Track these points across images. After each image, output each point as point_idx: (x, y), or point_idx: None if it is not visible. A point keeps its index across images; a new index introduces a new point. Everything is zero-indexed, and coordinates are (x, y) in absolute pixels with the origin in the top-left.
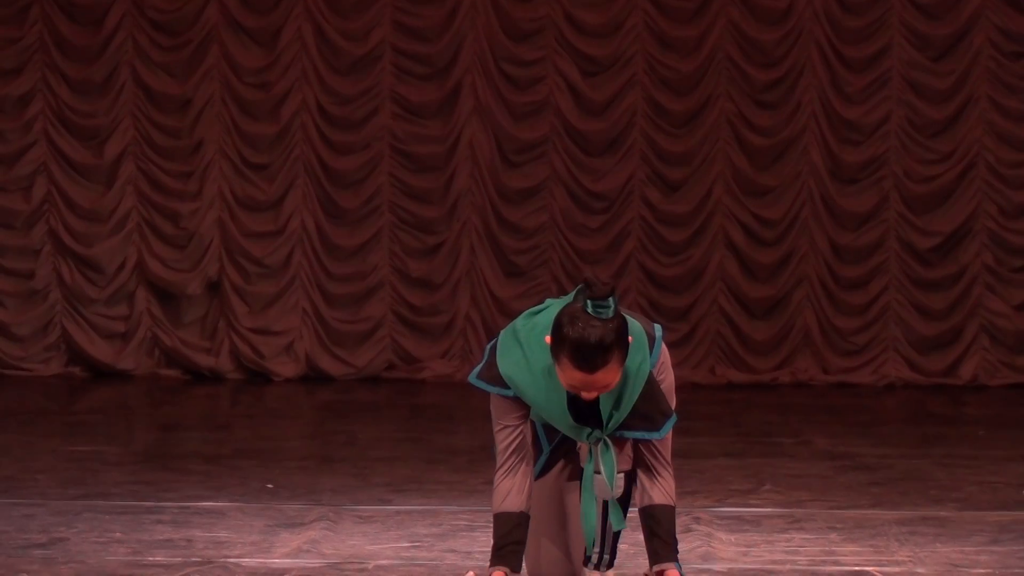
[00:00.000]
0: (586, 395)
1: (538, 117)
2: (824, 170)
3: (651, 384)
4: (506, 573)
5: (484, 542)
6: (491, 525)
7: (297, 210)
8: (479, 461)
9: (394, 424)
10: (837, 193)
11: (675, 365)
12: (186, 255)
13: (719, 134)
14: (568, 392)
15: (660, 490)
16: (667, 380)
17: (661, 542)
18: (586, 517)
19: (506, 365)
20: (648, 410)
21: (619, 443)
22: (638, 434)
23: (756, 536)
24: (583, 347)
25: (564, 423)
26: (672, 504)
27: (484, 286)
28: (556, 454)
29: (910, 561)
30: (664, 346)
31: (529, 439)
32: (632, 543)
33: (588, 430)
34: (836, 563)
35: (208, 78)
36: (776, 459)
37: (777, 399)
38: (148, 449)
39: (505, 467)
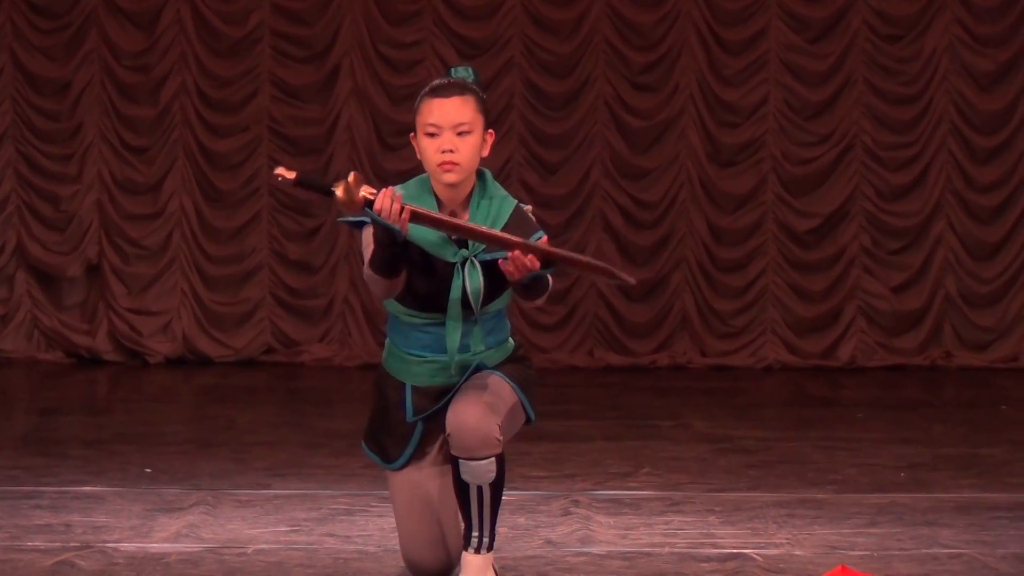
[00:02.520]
0: (444, 145)
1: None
2: (702, 152)
3: (518, 211)
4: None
5: (363, 526)
6: (370, 501)
7: (176, 192)
8: (358, 445)
9: (273, 408)
10: (715, 175)
11: (553, 348)
12: (66, 238)
13: (597, 116)
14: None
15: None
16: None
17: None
18: (450, 333)
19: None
20: (516, 232)
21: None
22: (507, 253)
23: (635, 519)
24: (440, 81)
25: (435, 240)
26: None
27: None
28: (428, 437)
29: (788, 543)
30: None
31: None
32: (511, 527)
33: (456, 249)
34: (715, 545)
35: (87, 61)
36: (654, 442)
37: (655, 382)
38: (26, 434)
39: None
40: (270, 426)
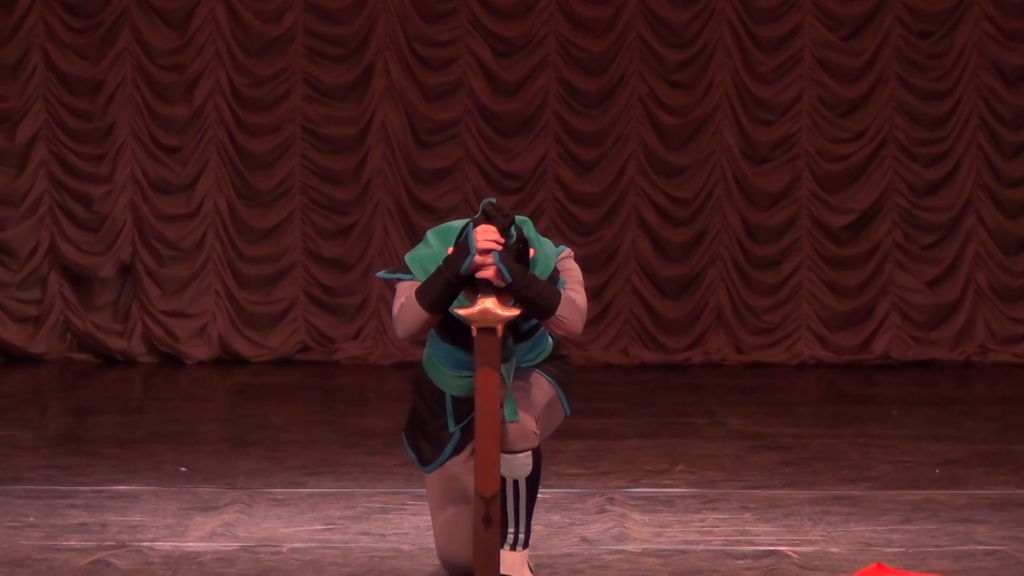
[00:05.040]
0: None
1: (451, 98)
2: (736, 149)
3: (553, 274)
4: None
5: (398, 524)
6: (405, 499)
7: (210, 192)
8: (393, 443)
9: (308, 406)
10: (750, 172)
11: (587, 343)
12: (99, 238)
13: (632, 114)
14: None
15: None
16: (573, 269)
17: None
18: None
19: (412, 255)
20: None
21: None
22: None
23: (670, 516)
24: (487, 205)
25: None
26: (558, 292)
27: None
28: (465, 437)
29: (823, 540)
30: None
31: None
32: (546, 524)
33: None
34: (750, 543)
35: (120, 60)
36: (689, 439)
37: (690, 379)
38: (61, 433)
39: (399, 301)
40: (305, 424)
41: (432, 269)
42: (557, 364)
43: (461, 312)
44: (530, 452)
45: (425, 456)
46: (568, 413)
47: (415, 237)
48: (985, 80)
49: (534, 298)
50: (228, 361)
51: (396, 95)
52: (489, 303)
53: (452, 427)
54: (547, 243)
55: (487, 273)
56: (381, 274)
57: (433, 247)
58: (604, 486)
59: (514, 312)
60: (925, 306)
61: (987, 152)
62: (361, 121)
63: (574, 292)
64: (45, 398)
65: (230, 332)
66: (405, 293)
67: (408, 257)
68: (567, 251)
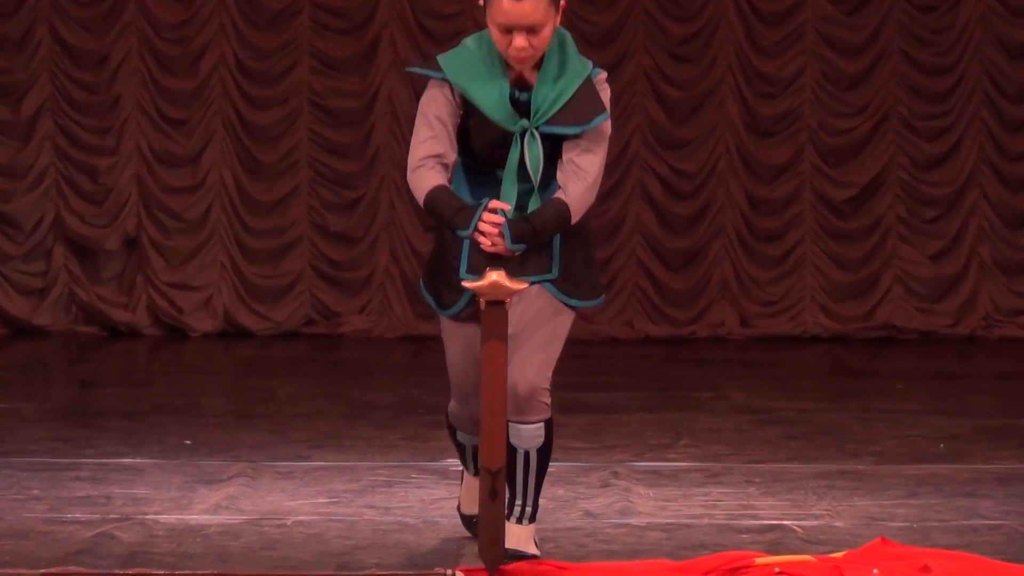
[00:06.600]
0: (517, 44)
1: None
2: (740, 123)
3: (588, 86)
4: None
5: (402, 497)
6: (409, 473)
7: (215, 165)
8: (398, 417)
9: (313, 380)
10: (753, 146)
11: (593, 316)
12: (104, 211)
13: (637, 88)
14: (507, 80)
15: (568, 186)
16: (605, 95)
17: (539, 212)
18: (506, 197)
19: (446, 56)
20: (580, 107)
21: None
22: (568, 129)
23: (674, 490)
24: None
25: (500, 108)
26: (566, 203)
27: (404, 240)
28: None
29: (828, 515)
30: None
31: (449, 145)
32: (551, 498)
33: (517, 118)
34: (754, 517)
35: (126, 33)
36: (694, 413)
37: (694, 353)
38: (66, 406)
39: (416, 167)
40: (309, 398)
41: (465, 70)
42: (580, 251)
43: (469, 285)
44: (542, 424)
45: (445, 301)
46: (601, 300)
47: (421, 211)
48: (988, 55)
49: (549, 238)
50: (233, 334)
51: (403, 68)
52: (497, 275)
53: (464, 273)
54: (576, 61)
55: (495, 249)
56: (412, 69)
57: (471, 50)
58: (608, 460)
59: (523, 286)
60: (928, 279)
61: (990, 127)
62: (367, 94)
63: (584, 166)
64: (50, 370)
65: (235, 305)
66: (419, 124)
67: (442, 57)
68: (602, 75)
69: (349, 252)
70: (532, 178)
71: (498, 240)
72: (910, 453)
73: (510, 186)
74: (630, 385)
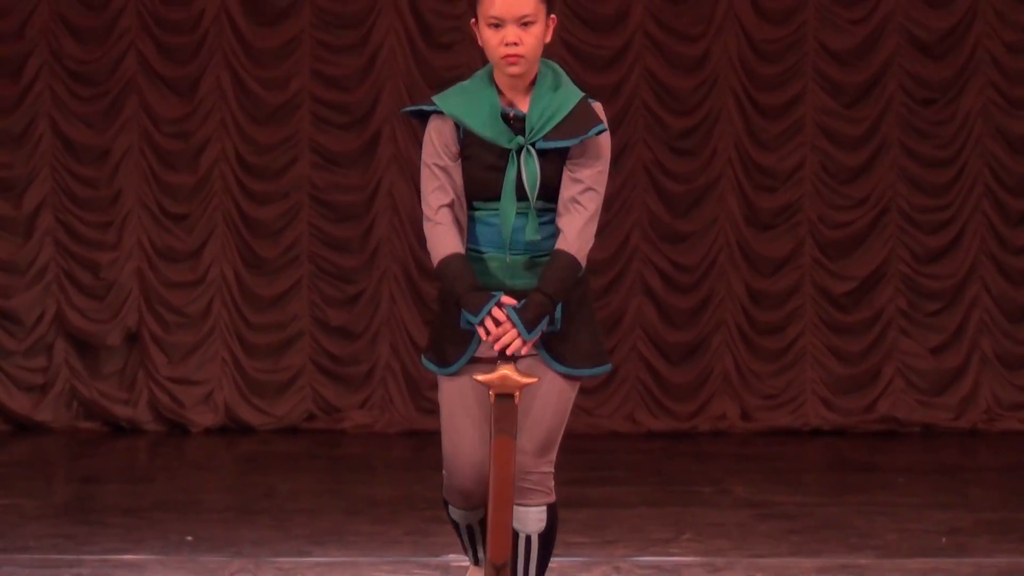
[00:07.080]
0: (509, 38)
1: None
2: (740, 216)
3: (583, 105)
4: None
5: None
6: (411, 568)
7: (216, 260)
8: (400, 512)
9: (314, 475)
10: (753, 239)
11: (594, 409)
12: (105, 305)
13: (636, 181)
14: (498, 100)
15: (565, 227)
16: (602, 115)
17: (547, 275)
18: (504, 217)
19: (440, 93)
20: (576, 121)
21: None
22: (565, 142)
23: None
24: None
25: (491, 125)
26: (567, 252)
27: (405, 334)
28: (482, 349)
29: None
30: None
31: (456, 187)
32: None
33: (512, 135)
34: None
35: (127, 128)
36: (696, 508)
37: (696, 447)
38: (67, 502)
39: (433, 220)
40: (311, 493)
41: (455, 97)
42: (582, 319)
43: (480, 378)
44: (544, 507)
45: (449, 356)
46: (609, 368)
47: (423, 305)
48: (989, 147)
49: (567, 297)
50: (234, 429)
51: (403, 162)
52: (508, 369)
53: (474, 318)
54: (570, 85)
55: (509, 349)
56: (405, 109)
57: (463, 84)
58: (611, 555)
59: (532, 380)
60: (929, 372)
61: (991, 219)
62: (368, 188)
63: (584, 203)
64: (51, 467)
65: (236, 400)
66: (424, 177)
67: (437, 97)
68: (597, 102)
69: (350, 347)
70: (528, 195)
71: (507, 340)
72: (912, 547)
73: (509, 204)
74: (632, 479)
